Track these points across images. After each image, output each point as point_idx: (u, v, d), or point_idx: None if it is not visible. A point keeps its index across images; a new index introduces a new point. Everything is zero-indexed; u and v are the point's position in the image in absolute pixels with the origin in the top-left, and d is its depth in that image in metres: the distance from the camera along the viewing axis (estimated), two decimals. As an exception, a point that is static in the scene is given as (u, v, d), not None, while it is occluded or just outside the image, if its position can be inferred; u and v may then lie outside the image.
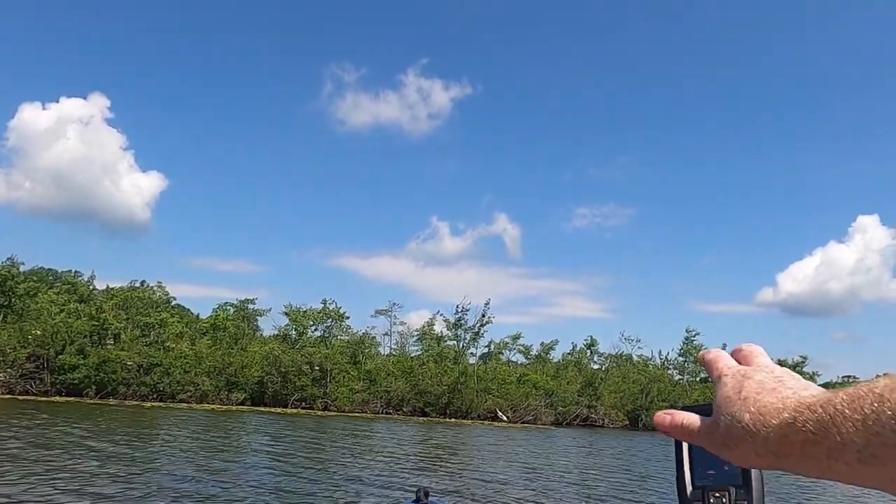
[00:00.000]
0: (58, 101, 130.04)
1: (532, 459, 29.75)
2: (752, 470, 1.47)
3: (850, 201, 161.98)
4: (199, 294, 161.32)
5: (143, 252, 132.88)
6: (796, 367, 78.03)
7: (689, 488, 1.53)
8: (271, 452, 25.20)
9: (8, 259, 64.00)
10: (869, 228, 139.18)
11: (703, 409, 1.58)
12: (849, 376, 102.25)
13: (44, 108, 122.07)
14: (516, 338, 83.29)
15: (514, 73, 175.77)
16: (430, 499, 7.44)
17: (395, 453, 27.79)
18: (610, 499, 19.22)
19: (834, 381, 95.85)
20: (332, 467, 21.76)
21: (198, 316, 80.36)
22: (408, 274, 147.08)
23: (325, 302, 70.76)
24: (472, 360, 72.31)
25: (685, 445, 1.57)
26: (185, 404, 53.90)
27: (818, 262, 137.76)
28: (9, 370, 52.54)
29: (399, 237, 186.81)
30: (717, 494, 1.49)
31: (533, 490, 19.75)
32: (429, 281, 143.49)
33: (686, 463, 1.56)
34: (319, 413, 56.18)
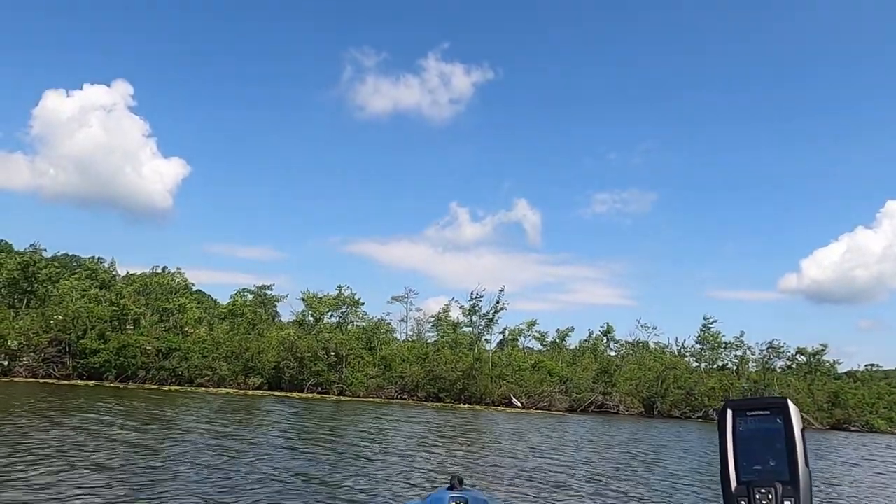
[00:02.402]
0: (81, 89, 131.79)
1: (551, 445, 29.82)
2: (800, 466, 1.46)
3: (880, 185, 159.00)
4: (220, 280, 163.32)
5: (165, 238, 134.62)
6: (816, 356, 77.43)
7: (733, 484, 1.53)
8: (290, 436, 25.50)
9: (31, 245, 65.34)
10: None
11: (772, 403, 1.60)
12: (872, 365, 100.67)
13: (67, 96, 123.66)
14: (531, 324, 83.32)
15: (535, 58, 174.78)
16: (463, 486, 7.58)
17: (414, 438, 28.01)
18: (633, 482, 19.23)
19: (857, 370, 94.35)
20: (352, 450, 21.97)
21: (216, 302, 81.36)
22: (426, 260, 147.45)
23: (340, 288, 71.28)
24: (488, 347, 72.42)
25: (730, 440, 1.58)
26: (203, 388, 54.67)
27: (844, 248, 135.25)
28: (32, 354, 53.66)
29: (418, 223, 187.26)
30: (763, 490, 1.47)
31: (557, 474, 19.81)
32: (447, 267, 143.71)
33: (731, 458, 1.56)
34: (335, 398, 56.69)
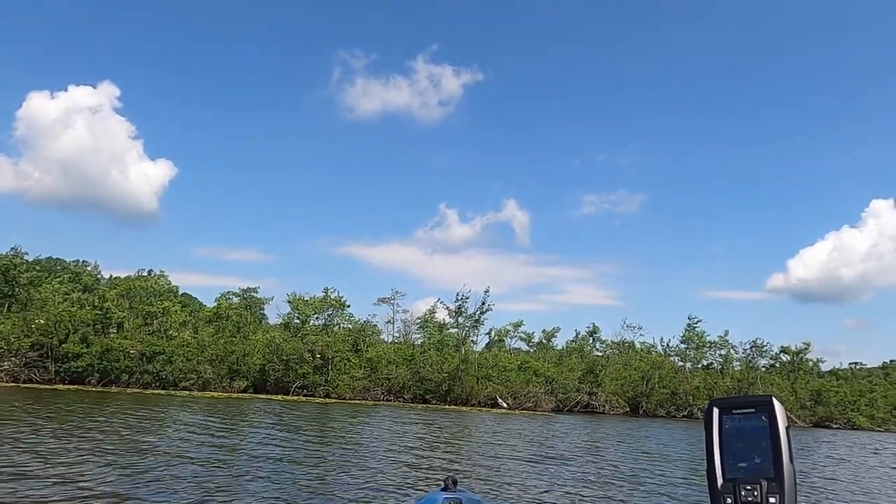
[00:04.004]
0: (66, 90, 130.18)
1: (540, 445, 29.88)
2: (785, 463, 1.48)
3: (865, 184, 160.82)
4: (208, 283, 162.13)
5: (152, 241, 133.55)
6: (799, 354, 78.26)
7: (719, 481, 1.54)
8: (276, 439, 25.34)
9: (11, 249, 64.41)
10: (883, 213, 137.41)
11: (757, 401, 1.58)
12: (856, 363, 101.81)
13: (52, 97, 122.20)
14: (517, 325, 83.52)
15: (524, 60, 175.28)
16: (458, 487, 7.49)
17: (403, 440, 27.95)
18: (622, 480, 19.32)
19: (840, 368, 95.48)
20: (341, 453, 21.88)
21: (201, 305, 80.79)
22: (416, 262, 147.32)
23: (326, 290, 71.03)
24: (475, 348, 72.43)
25: (716, 438, 1.59)
26: (187, 392, 54.26)
27: (830, 247, 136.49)
28: (13, 359, 52.97)
29: (407, 225, 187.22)
30: (749, 487, 1.48)
31: (547, 474, 19.84)
32: (437, 269, 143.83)
33: (717, 455, 1.58)
34: (320, 400, 56.48)
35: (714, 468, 1.56)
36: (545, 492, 16.90)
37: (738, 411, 1.57)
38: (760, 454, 1.52)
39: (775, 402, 1.53)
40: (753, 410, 1.55)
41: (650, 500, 17.01)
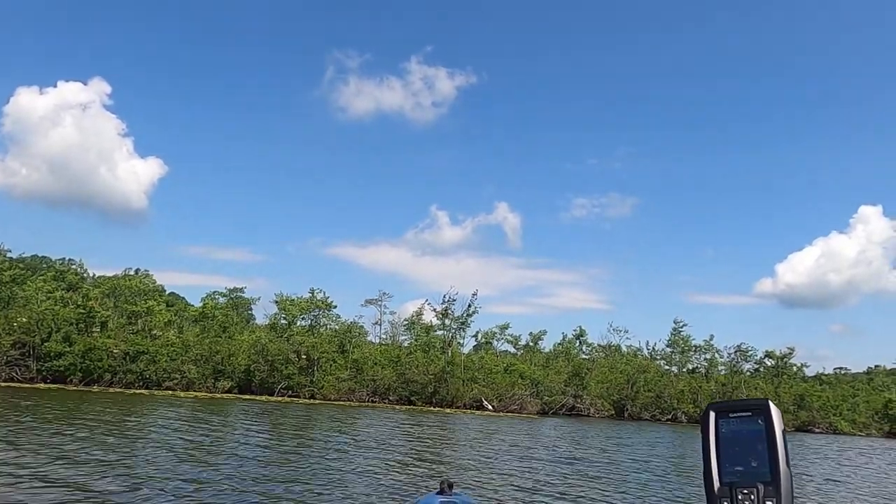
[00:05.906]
0: (55, 86, 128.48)
1: (530, 447, 29.88)
2: (781, 467, 1.47)
3: (854, 191, 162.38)
4: (198, 282, 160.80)
5: (141, 240, 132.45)
6: (783, 359, 78.84)
7: (716, 484, 1.53)
8: (262, 442, 25.16)
9: (-6, 247, 63.63)
10: (871, 219, 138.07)
11: (753, 405, 1.54)
12: (841, 368, 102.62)
13: (41, 93, 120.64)
14: (504, 328, 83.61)
15: (518, 63, 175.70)
16: (454, 490, 7.38)
17: (392, 443, 27.82)
18: (613, 483, 19.33)
19: (825, 373, 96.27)
20: (332, 455, 21.75)
21: (187, 304, 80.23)
22: (406, 263, 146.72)
23: (312, 291, 70.76)
24: (463, 350, 72.37)
25: (713, 441, 1.58)
26: (170, 392, 53.84)
27: (819, 252, 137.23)
28: (-6, 357, 52.29)
29: (397, 226, 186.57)
30: (745, 491, 1.48)
31: (541, 476, 19.85)
32: (427, 270, 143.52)
33: (713, 459, 1.56)
34: (305, 401, 56.26)
35: (711, 472, 1.55)
36: (538, 493, 16.91)
37: (735, 415, 1.56)
38: (757, 458, 1.50)
39: (772, 405, 1.52)
40: (750, 414, 1.54)
41: (644, 502, 17.04)
